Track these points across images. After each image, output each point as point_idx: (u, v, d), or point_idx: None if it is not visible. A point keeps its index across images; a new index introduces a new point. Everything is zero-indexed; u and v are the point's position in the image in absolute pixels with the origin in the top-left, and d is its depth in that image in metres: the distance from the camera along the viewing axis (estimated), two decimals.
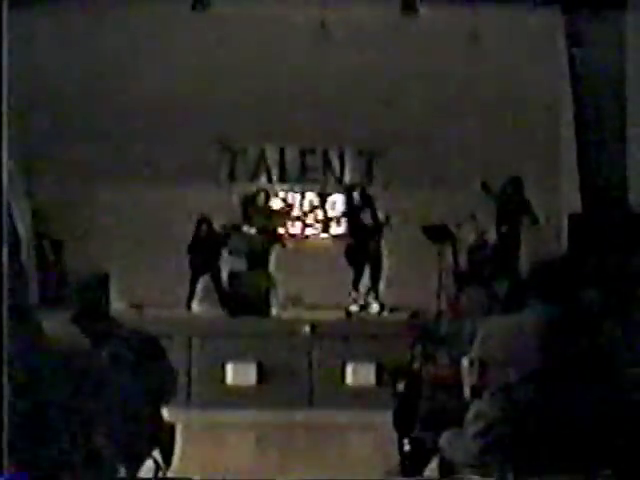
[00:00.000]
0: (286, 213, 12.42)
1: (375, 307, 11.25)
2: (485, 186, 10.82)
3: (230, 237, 11.45)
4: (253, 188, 12.25)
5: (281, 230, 12.17)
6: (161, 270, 11.36)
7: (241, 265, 11.35)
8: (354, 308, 11.23)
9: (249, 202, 11.88)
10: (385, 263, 11.46)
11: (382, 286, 11.42)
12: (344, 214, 12.15)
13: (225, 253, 11.41)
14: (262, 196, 11.92)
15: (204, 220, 11.31)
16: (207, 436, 8.25)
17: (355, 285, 11.32)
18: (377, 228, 11.29)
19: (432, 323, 9.29)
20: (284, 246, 11.73)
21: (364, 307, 11.32)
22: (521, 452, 3.45)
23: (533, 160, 11.44)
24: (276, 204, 12.46)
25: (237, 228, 11.59)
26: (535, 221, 10.78)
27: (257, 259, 11.40)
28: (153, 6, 11.28)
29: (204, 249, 11.28)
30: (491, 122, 11.54)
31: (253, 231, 11.51)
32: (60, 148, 11.39)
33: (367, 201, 11.42)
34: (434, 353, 5.83)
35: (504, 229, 10.84)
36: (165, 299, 11.20)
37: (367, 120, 11.75)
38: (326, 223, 12.71)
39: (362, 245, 11.30)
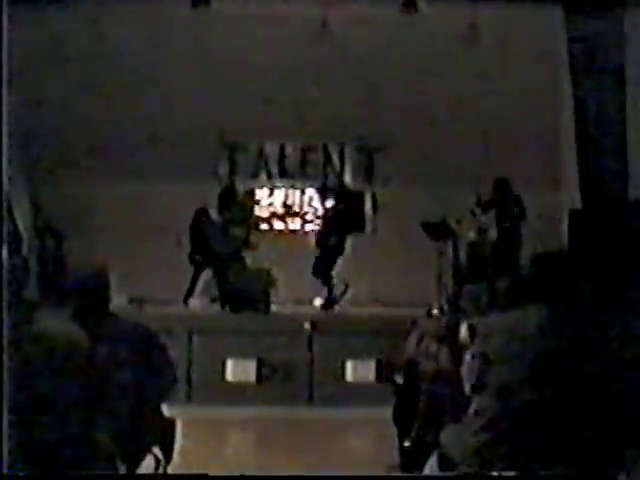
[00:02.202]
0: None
1: (339, 287, 11.33)
2: (479, 203, 10.82)
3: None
4: (252, 184, 12.27)
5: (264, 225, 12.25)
6: (161, 265, 11.36)
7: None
8: (319, 300, 11.33)
9: (223, 197, 11.85)
10: (385, 260, 11.49)
11: (381, 284, 11.45)
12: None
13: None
14: (233, 191, 11.96)
15: (201, 211, 11.28)
16: (207, 432, 8.26)
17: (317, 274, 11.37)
18: (343, 218, 11.42)
19: (433, 320, 9.31)
20: (251, 248, 11.59)
21: (330, 292, 11.34)
22: (521, 448, 3.45)
23: (533, 158, 11.44)
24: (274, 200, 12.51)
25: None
26: (523, 217, 10.75)
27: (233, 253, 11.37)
28: (153, 4, 11.28)
29: (202, 242, 11.26)
30: (491, 121, 11.55)
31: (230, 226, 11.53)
32: (60, 145, 11.41)
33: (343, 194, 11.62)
34: (435, 350, 5.82)
35: (504, 226, 10.84)
36: (165, 295, 11.22)
37: (367, 117, 11.76)
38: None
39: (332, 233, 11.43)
